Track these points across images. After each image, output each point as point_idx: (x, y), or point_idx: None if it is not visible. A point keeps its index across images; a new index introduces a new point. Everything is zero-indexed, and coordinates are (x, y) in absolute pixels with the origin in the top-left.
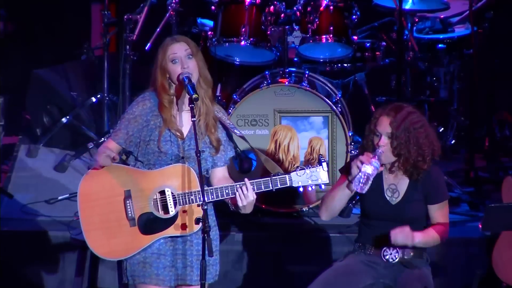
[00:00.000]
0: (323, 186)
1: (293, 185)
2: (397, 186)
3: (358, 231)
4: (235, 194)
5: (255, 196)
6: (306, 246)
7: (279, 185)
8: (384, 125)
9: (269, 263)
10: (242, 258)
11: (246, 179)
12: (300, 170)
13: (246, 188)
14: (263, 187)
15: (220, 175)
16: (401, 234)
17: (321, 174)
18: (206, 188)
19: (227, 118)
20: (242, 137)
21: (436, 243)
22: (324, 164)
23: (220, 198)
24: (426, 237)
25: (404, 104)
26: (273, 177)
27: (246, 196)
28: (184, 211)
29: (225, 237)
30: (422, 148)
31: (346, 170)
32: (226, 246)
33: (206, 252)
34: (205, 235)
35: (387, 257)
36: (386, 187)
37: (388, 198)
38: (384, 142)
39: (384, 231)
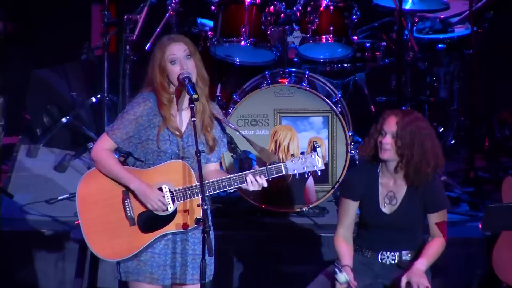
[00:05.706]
0: (319, 173)
1: (289, 172)
2: (395, 193)
3: (357, 232)
4: (231, 186)
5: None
6: (306, 246)
7: (274, 174)
8: (391, 124)
9: (269, 263)
10: (242, 258)
11: (256, 166)
12: (295, 158)
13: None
14: None
15: (212, 168)
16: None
17: (316, 161)
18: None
19: (221, 114)
20: (237, 130)
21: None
22: (319, 149)
23: (217, 191)
24: (431, 259)
25: (415, 111)
26: (269, 167)
27: (259, 183)
28: (183, 208)
29: (225, 237)
30: (426, 154)
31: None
32: (226, 246)
33: (206, 251)
34: (205, 235)
35: (384, 260)
36: (383, 195)
37: (383, 209)
38: (388, 141)
39: (381, 237)
